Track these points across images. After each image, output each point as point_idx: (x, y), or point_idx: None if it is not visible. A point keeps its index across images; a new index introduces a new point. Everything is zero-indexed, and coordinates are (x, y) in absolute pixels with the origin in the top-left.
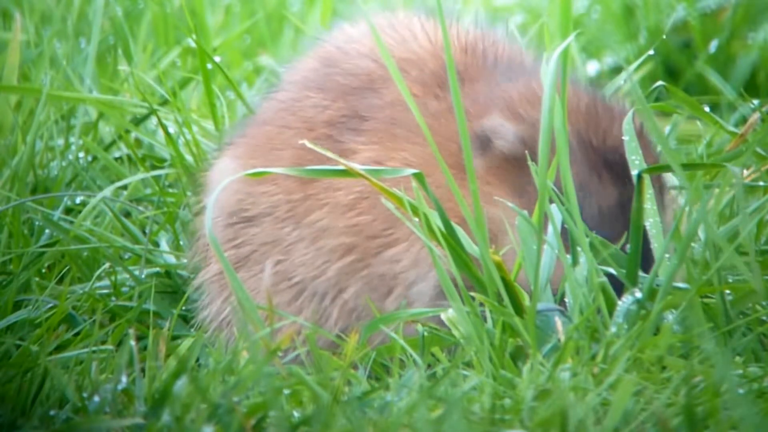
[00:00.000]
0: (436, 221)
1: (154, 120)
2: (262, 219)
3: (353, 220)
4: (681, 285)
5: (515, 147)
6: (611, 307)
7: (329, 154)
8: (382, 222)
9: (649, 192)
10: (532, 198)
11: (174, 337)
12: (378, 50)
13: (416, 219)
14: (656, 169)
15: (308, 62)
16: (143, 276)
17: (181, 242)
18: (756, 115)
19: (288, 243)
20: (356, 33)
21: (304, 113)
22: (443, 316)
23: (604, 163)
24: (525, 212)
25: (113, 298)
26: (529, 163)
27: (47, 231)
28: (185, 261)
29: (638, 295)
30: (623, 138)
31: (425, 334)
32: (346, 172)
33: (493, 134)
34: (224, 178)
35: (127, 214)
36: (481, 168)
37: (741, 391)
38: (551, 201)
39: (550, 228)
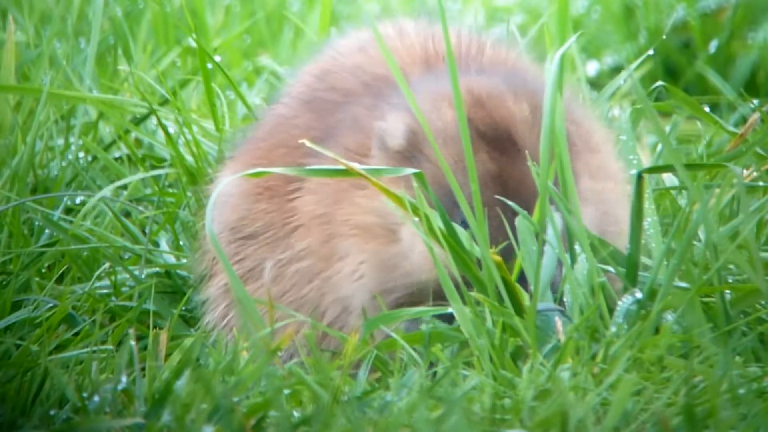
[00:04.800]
0: (434, 220)
1: (154, 120)
2: (259, 236)
3: (305, 243)
4: (681, 285)
5: (400, 143)
6: (611, 307)
7: (330, 154)
8: (322, 244)
9: (648, 191)
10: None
11: (174, 337)
12: (361, 66)
13: (408, 218)
14: (657, 170)
15: (304, 76)
16: (143, 276)
17: (181, 242)
18: (756, 115)
19: (281, 263)
20: (349, 46)
21: (293, 132)
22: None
23: (480, 137)
24: (525, 212)
25: (113, 298)
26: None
27: (47, 231)
28: (185, 261)
29: (638, 295)
30: (506, 117)
31: (430, 331)
32: (345, 172)
33: (386, 134)
34: (224, 193)
35: (127, 214)
36: (382, 164)
37: (741, 391)
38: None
39: (549, 229)
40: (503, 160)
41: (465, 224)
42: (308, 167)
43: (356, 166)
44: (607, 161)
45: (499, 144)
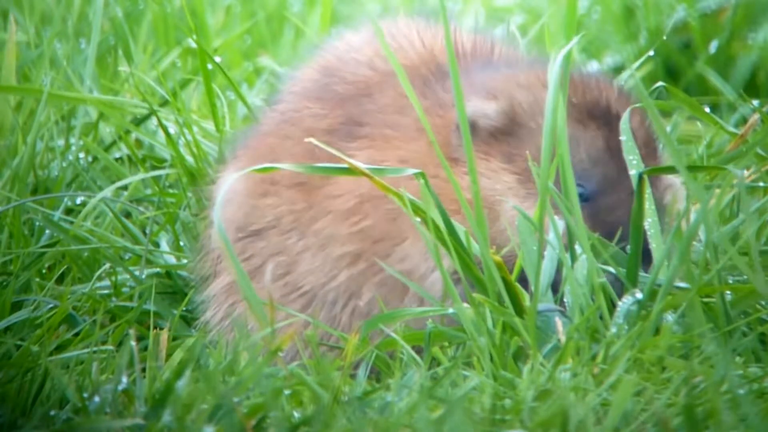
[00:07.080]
0: (436, 218)
1: (154, 120)
2: (268, 231)
3: (357, 227)
4: (681, 285)
5: (498, 121)
6: (611, 307)
7: (334, 152)
8: (386, 222)
9: (648, 191)
10: (520, 164)
11: (174, 338)
12: (375, 59)
13: (418, 217)
14: (657, 171)
15: (308, 72)
16: (143, 276)
17: (182, 243)
18: (756, 116)
19: (295, 253)
20: (356, 41)
21: (303, 123)
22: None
23: (588, 114)
24: (526, 211)
25: (113, 299)
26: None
27: (47, 231)
28: (186, 261)
29: (639, 295)
30: (603, 92)
31: (431, 330)
32: (349, 170)
33: (476, 116)
34: (228, 191)
35: (128, 215)
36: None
37: (741, 391)
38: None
39: (550, 228)
40: (614, 134)
41: (581, 196)
42: (311, 165)
43: (359, 164)
44: None
45: (605, 118)
